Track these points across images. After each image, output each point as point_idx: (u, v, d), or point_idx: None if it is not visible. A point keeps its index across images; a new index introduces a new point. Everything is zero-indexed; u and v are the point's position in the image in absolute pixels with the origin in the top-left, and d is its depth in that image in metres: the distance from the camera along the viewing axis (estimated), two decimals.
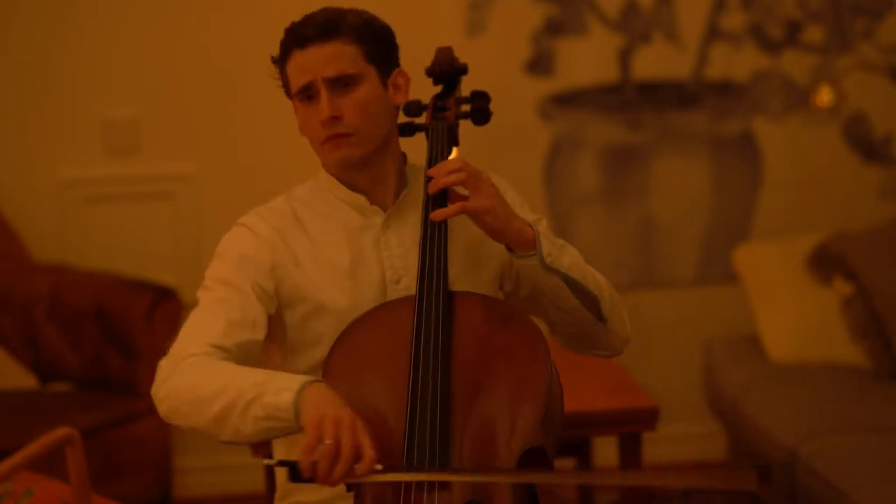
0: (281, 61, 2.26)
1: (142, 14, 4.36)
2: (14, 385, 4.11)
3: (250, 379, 2.06)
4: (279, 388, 2.03)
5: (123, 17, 4.36)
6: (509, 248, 2.23)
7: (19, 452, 1.83)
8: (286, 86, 2.29)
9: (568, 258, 2.24)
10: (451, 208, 2.19)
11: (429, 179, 2.22)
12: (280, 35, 2.30)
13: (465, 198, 2.19)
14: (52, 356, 4.14)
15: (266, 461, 2.05)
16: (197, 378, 2.10)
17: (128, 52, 4.37)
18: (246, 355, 2.18)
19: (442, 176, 2.19)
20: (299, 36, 2.22)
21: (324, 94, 2.21)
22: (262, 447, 2.82)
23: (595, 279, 2.29)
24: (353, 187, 2.30)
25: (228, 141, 4.42)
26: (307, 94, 2.23)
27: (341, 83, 2.21)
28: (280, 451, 2.36)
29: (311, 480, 1.97)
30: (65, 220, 4.40)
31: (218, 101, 4.39)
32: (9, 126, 4.40)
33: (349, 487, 2.08)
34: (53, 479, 2.50)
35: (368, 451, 1.97)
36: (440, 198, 2.22)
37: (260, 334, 2.21)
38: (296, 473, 1.98)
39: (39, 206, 4.40)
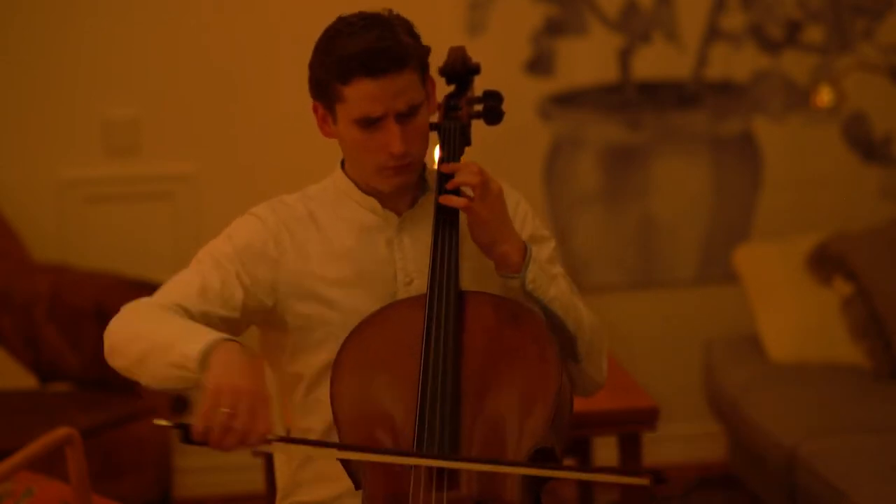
0: (339, 80, 2.17)
1: (142, 14, 4.36)
2: (14, 385, 4.12)
3: (175, 327, 2.08)
4: (193, 338, 2.04)
5: (123, 17, 4.36)
6: (495, 266, 2.23)
7: (19, 452, 1.83)
8: (326, 97, 2.22)
9: (555, 290, 2.24)
10: (458, 200, 2.19)
11: (445, 178, 2.23)
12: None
13: (472, 198, 2.20)
14: (52, 356, 4.14)
15: (156, 420, 2.01)
16: (138, 320, 2.14)
17: (128, 52, 4.37)
18: (207, 326, 2.17)
19: (459, 174, 2.21)
20: (370, 65, 2.14)
21: (395, 129, 2.17)
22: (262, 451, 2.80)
23: (578, 317, 2.27)
24: (369, 192, 2.30)
25: (228, 141, 4.42)
26: (371, 123, 2.18)
27: (409, 114, 2.19)
28: (280, 459, 2.37)
29: (203, 444, 1.98)
30: (65, 220, 4.40)
31: (218, 102, 4.39)
32: (9, 126, 4.39)
33: (357, 485, 2.08)
34: (53, 479, 2.50)
35: (262, 424, 1.96)
36: (453, 192, 2.23)
37: (230, 313, 2.20)
38: (187, 436, 1.97)
39: (39, 206, 4.40)
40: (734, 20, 4.50)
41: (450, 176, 2.24)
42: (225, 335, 2.05)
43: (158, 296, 2.20)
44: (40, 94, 4.38)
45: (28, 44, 4.34)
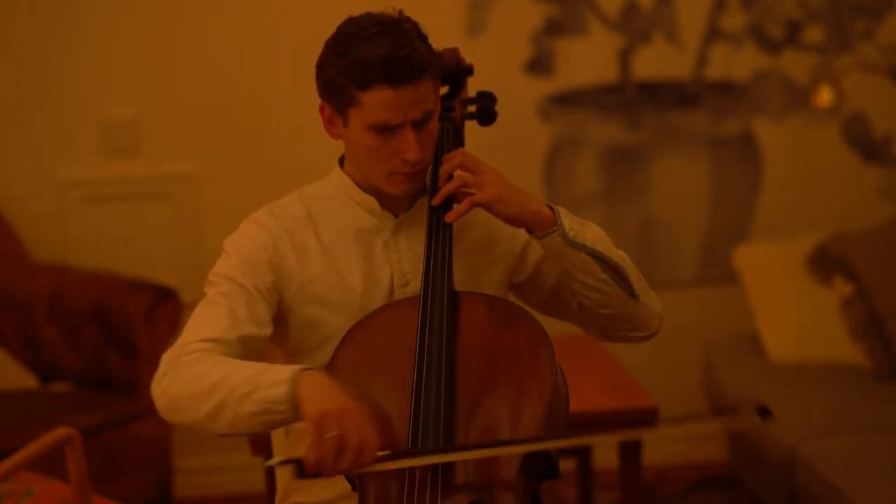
0: (356, 85, 2.15)
1: (142, 14, 4.36)
2: (14, 385, 4.11)
3: (244, 374, 2.06)
4: (272, 382, 2.03)
5: (123, 17, 4.36)
6: (530, 231, 2.23)
7: (19, 452, 1.83)
8: (335, 99, 2.20)
9: (591, 233, 2.25)
10: (462, 206, 2.20)
11: (434, 189, 2.24)
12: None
13: (473, 194, 2.20)
14: (52, 356, 4.14)
15: (268, 462, 2.04)
16: (193, 374, 2.10)
17: (128, 52, 4.37)
18: (247, 350, 2.18)
19: (443, 185, 2.22)
20: (389, 73, 2.12)
21: (412, 136, 2.16)
22: (263, 448, 2.82)
23: (620, 254, 2.29)
24: (368, 190, 2.30)
25: (228, 141, 4.42)
26: (387, 129, 2.17)
27: (424, 121, 2.18)
28: (281, 450, 2.37)
29: (318, 475, 1.98)
30: (65, 220, 4.40)
31: (218, 102, 4.39)
32: (9, 126, 4.40)
33: (354, 487, 2.09)
34: (53, 479, 2.50)
35: (372, 439, 1.97)
36: (447, 201, 2.23)
37: (264, 330, 2.21)
38: (302, 470, 1.97)
39: (39, 206, 4.40)
40: (734, 20, 4.51)
41: (441, 174, 2.25)
42: (298, 367, 2.05)
43: (191, 337, 2.17)
44: (40, 94, 4.38)
45: (28, 44, 4.34)
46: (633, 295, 2.29)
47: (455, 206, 2.22)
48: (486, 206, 2.20)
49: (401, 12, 2.21)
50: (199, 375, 2.10)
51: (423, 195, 2.31)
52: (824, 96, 4.29)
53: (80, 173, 4.41)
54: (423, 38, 2.19)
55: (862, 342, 4.01)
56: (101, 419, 3.88)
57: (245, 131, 4.41)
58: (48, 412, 3.90)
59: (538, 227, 2.22)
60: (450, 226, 2.24)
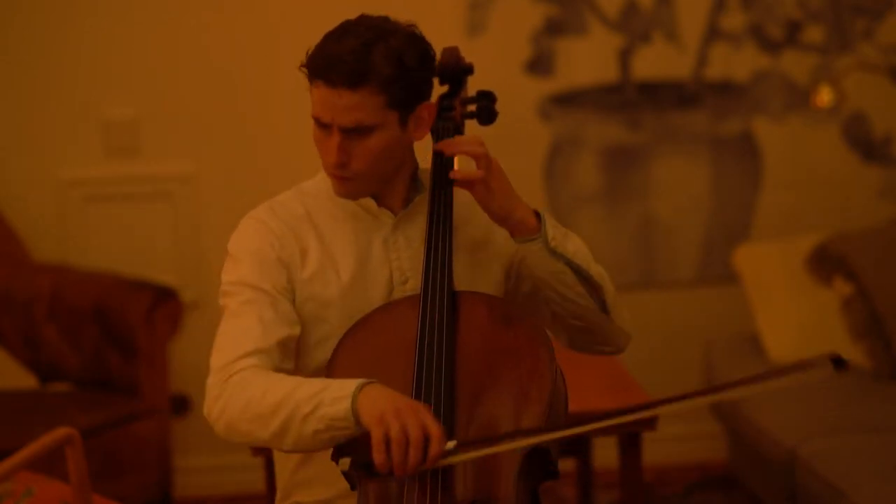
0: (309, 75, 2.19)
1: (142, 14, 4.36)
2: (14, 385, 4.11)
3: (305, 391, 2.06)
4: (334, 398, 2.03)
5: (123, 17, 4.36)
6: (512, 234, 2.24)
7: (19, 452, 1.83)
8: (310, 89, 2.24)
9: (573, 245, 2.25)
10: (471, 173, 2.20)
11: (441, 160, 2.25)
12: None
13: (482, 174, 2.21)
14: (52, 356, 4.14)
15: (340, 466, 2.03)
16: (250, 394, 2.10)
17: (127, 52, 4.37)
18: (285, 352, 2.18)
19: (460, 144, 2.23)
20: (328, 73, 2.14)
21: (335, 138, 2.17)
22: (263, 448, 2.81)
23: (598, 269, 2.29)
24: None
25: (228, 141, 4.42)
26: (321, 125, 2.19)
27: (357, 132, 2.17)
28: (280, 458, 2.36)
29: (388, 475, 1.99)
30: (65, 220, 4.40)
31: (217, 102, 4.39)
32: (9, 126, 4.40)
33: (353, 486, 2.09)
34: (53, 479, 2.50)
35: (435, 430, 1.98)
36: (448, 171, 2.24)
37: (295, 329, 2.21)
38: (371, 470, 1.99)
39: (39, 206, 4.40)
40: (734, 20, 4.50)
41: (446, 159, 2.25)
42: (360, 381, 2.04)
43: (230, 353, 2.15)
44: (40, 94, 4.38)
45: (28, 44, 4.34)
46: (604, 310, 2.29)
47: (468, 169, 2.21)
48: (485, 187, 2.20)
49: (395, 22, 2.20)
50: (256, 396, 2.09)
51: (418, 194, 2.31)
52: (824, 96, 4.29)
53: (80, 173, 4.41)
54: (396, 54, 2.14)
55: (862, 342, 4.01)
56: (101, 419, 3.88)
57: (245, 131, 4.41)
58: (48, 412, 3.90)
59: (522, 230, 2.22)
60: (450, 224, 2.23)
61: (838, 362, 1.91)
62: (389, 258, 2.28)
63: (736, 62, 4.52)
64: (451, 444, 2.00)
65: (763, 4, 4.50)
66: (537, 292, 2.31)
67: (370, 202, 2.29)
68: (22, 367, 4.16)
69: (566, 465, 3.77)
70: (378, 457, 1.98)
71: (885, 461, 3.33)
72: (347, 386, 2.04)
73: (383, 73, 2.13)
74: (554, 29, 4.46)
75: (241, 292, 2.21)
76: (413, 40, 2.18)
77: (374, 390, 2.03)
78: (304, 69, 2.19)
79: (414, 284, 2.25)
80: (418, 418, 1.98)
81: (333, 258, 2.27)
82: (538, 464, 2.10)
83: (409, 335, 2.16)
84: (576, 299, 2.26)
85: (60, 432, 1.88)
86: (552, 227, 2.23)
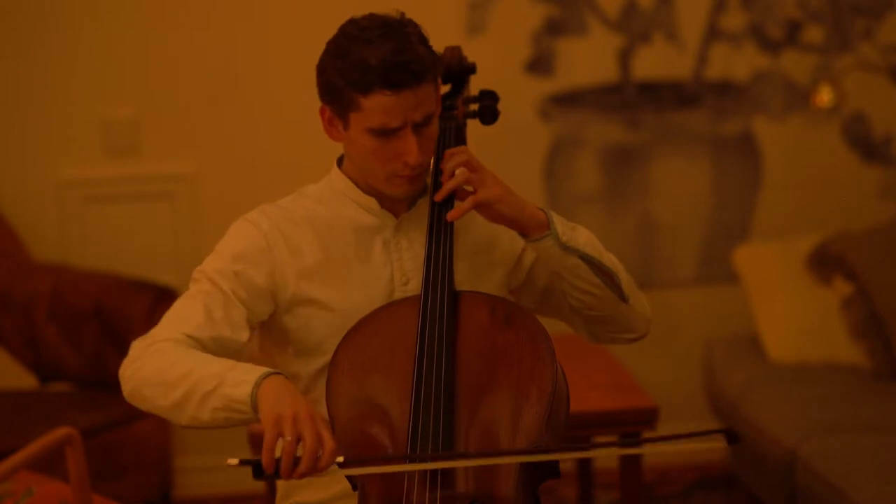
0: (356, 89, 2.15)
1: (141, 14, 4.36)
2: (14, 385, 4.11)
3: (212, 369, 2.08)
4: (237, 381, 2.05)
5: (123, 18, 4.36)
6: (523, 234, 2.24)
7: (19, 452, 1.83)
8: (336, 103, 2.20)
9: (583, 237, 2.26)
10: (465, 204, 2.20)
11: (436, 186, 2.24)
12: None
13: (474, 192, 2.20)
14: (52, 356, 4.14)
15: (229, 462, 2.03)
16: (162, 363, 2.12)
17: (127, 52, 4.37)
18: (222, 351, 2.19)
19: (446, 180, 2.21)
20: (389, 78, 2.12)
21: (413, 139, 2.17)
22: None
23: (610, 257, 2.30)
24: (368, 191, 2.30)
25: (227, 141, 4.42)
26: (388, 132, 2.17)
27: (424, 125, 2.19)
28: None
29: (275, 476, 1.99)
30: (65, 220, 4.40)
31: (217, 101, 4.39)
32: (9, 126, 4.39)
33: (354, 487, 2.09)
34: (53, 479, 2.50)
35: (329, 443, 1.98)
36: (448, 198, 2.23)
37: (239, 335, 2.21)
38: (259, 471, 1.99)
39: (39, 206, 4.40)
40: (734, 20, 4.50)
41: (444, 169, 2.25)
42: (267, 370, 2.05)
43: (166, 329, 2.19)
44: (40, 94, 4.38)
45: (28, 44, 4.34)
46: (622, 298, 2.30)
47: (457, 203, 2.22)
48: (487, 205, 2.20)
49: (403, 14, 2.21)
50: (168, 365, 2.11)
51: (423, 195, 2.31)
52: (824, 96, 4.29)
53: (80, 173, 4.41)
54: (424, 41, 2.19)
55: (862, 342, 4.01)
56: (101, 419, 3.87)
57: (245, 131, 4.41)
58: (48, 412, 3.90)
59: (532, 230, 2.22)
60: (451, 224, 2.24)
61: (731, 436, 1.96)
62: (391, 259, 2.28)
63: (736, 62, 4.52)
64: (340, 458, 2.00)
65: (763, 4, 4.50)
66: (553, 288, 2.31)
67: (374, 204, 2.29)
68: (22, 367, 4.16)
69: (566, 465, 3.77)
70: (266, 459, 1.98)
71: (885, 461, 3.33)
72: (252, 372, 2.05)
73: (431, 62, 2.17)
74: (554, 29, 4.46)
75: (202, 282, 2.24)
76: (417, 24, 2.22)
77: (276, 383, 2.03)
78: (352, 86, 2.14)
79: (415, 285, 2.26)
80: (313, 428, 1.98)
81: (333, 260, 2.27)
82: (538, 464, 2.09)
83: (409, 335, 2.16)
84: (593, 290, 2.26)
85: (60, 432, 1.89)
86: (560, 223, 2.23)
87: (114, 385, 4.04)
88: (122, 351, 4.14)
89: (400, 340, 2.17)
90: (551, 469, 2.12)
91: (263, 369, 2.06)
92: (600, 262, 2.26)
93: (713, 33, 4.51)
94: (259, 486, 3.57)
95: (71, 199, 4.40)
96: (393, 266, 2.28)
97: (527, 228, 2.22)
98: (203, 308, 2.20)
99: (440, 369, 2.12)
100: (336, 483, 2.17)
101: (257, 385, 2.03)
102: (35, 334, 4.15)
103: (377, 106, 2.14)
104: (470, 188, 2.21)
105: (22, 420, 3.82)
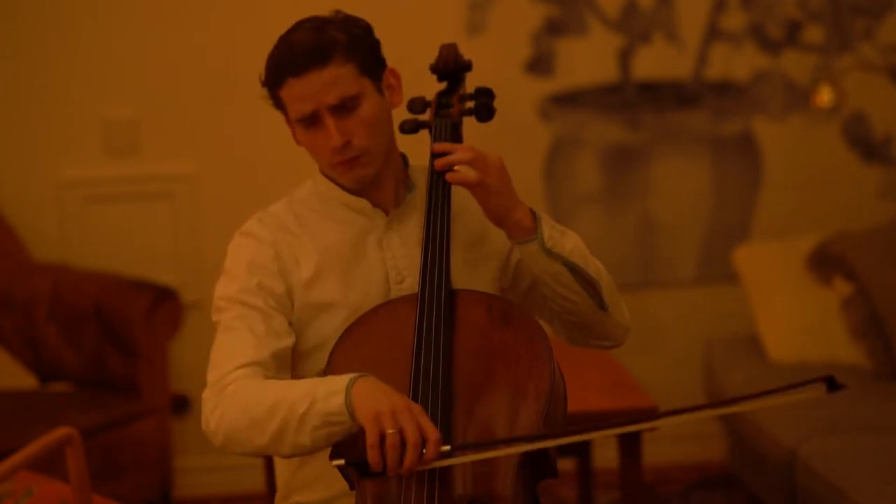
0: (273, 86, 2.22)
1: (141, 14, 4.36)
2: (14, 385, 4.11)
3: (298, 391, 2.07)
4: (328, 393, 2.04)
5: (123, 18, 4.36)
6: (509, 235, 2.24)
7: (19, 452, 1.83)
8: (280, 107, 2.26)
9: (570, 243, 2.25)
10: (470, 175, 2.19)
11: (435, 157, 2.23)
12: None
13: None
14: (52, 356, 4.14)
15: (335, 462, 2.03)
16: (245, 402, 2.10)
17: (127, 52, 4.37)
18: (281, 364, 2.19)
19: (450, 161, 2.21)
20: (292, 64, 2.18)
21: (330, 122, 2.19)
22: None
23: (596, 266, 2.29)
24: (352, 191, 2.30)
25: (228, 141, 4.42)
26: (310, 121, 2.20)
27: (345, 107, 2.19)
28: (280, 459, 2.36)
29: (382, 474, 1.99)
30: (65, 220, 4.40)
31: (217, 101, 4.39)
32: (9, 126, 4.40)
33: (352, 486, 2.09)
34: (53, 479, 2.50)
35: (432, 433, 1.98)
36: (446, 183, 2.23)
37: (288, 341, 2.22)
38: (365, 470, 1.99)
39: (39, 206, 4.40)
40: (734, 20, 4.51)
41: (441, 155, 2.24)
42: (352, 375, 2.05)
43: (224, 368, 2.16)
44: (40, 94, 4.38)
45: (28, 44, 4.35)
46: (602, 307, 2.29)
47: (464, 173, 2.21)
48: (487, 188, 2.19)
49: (337, 12, 2.25)
50: (252, 403, 2.10)
51: (410, 192, 2.31)
52: (824, 96, 4.29)
53: (80, 173, 4.41)
54: (350, 29, 2.21)
55: (862, 342, 4.01)
56: (101, 419, 3.87)
57: (244, 131, 4.40)
58: (48, 412, 3.90)
59: (519, 231, 2.22)
60: (447, 222, 2.23)
61: (832, 384, 1.94)
62: (384, 258, 2.28)
63: (736, 62, 4.52)
64: (446, 448, 1.99)
65: (763, 4, 4.50)
66: (535, 290, 2.31)
67: (364, 203, 2.29)
68: (22, 367, 4.16)
69: (566, 465, 3.77)
70: (373, 457, 1.98)
71: (885, 461, 3.33)
72: (340, 381, 2.04)
73: (342, 41, 2.19)
74: (554, 29, 4.46)
75: (232, 308, 2.22)
76: (349, 16, 2.25)
77: (367, 384, 2.03)
78: (267, 86, 2.22)
79: (411, 283, 2.26)
80: (415, 420, 1.98)
81: (328, 262, 2.27)
82: (536, 463, 2.09)
83: (406, 334, 2.16)
84: (573, 297, 2.26)
85: (60, 432, 1.88)
86: (549, 227, 2.23)
87: (114, 385, 4.07)
88: (123, 351, 4.17)
89: (397, 339, 2.17)
90: (549, 468, 2.12)
91: (348, 375, 2.05)
92: (584, 270, 2.25)
93: (713, 33, 4.51)
94: (259, 485, 3.57)
95: (71, 199, 4.40)
96: (387, 265, 2.28)
97: (513, 227, 2.22)
98: (248, 331, 2.19)
99: (437, 368, 2.11)
100: (335, 482, 2.17)
101: (348, 391, 2.02)
102: (35, 334, 4.15)
103: (291, 96, 2.19)
104: (473, 174, 2.20)
105: (22, 420, 3.82)
